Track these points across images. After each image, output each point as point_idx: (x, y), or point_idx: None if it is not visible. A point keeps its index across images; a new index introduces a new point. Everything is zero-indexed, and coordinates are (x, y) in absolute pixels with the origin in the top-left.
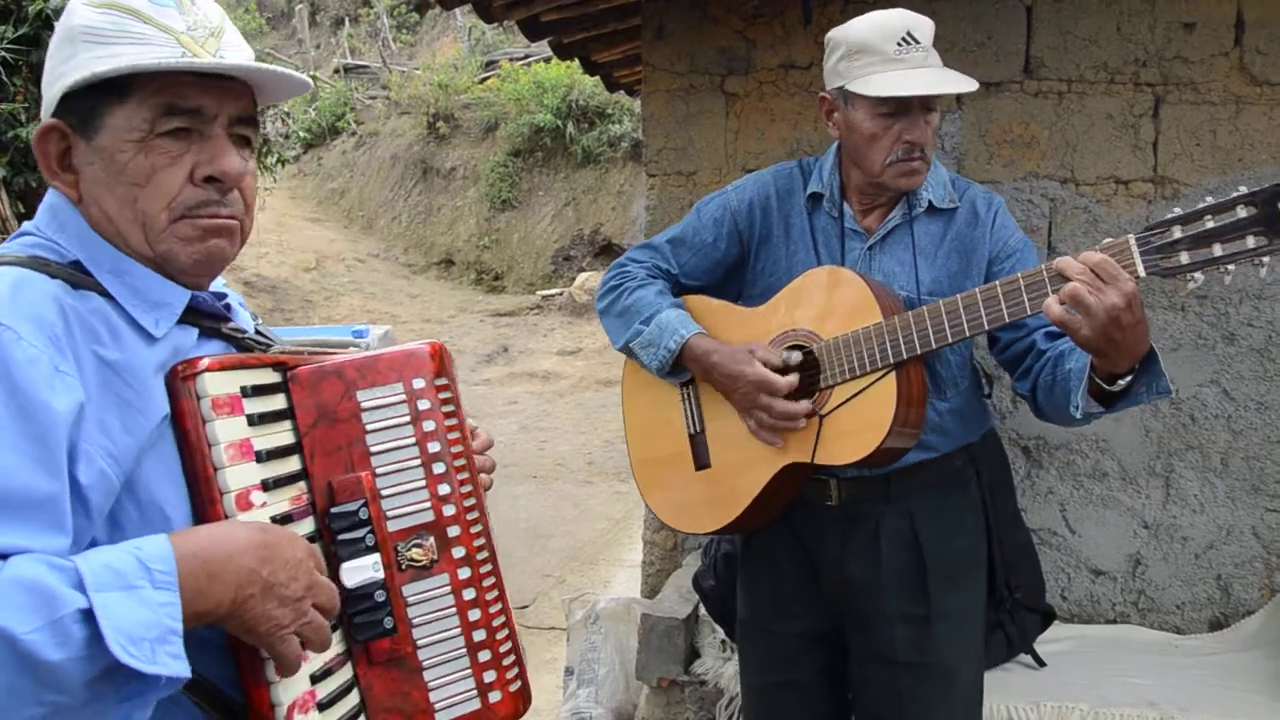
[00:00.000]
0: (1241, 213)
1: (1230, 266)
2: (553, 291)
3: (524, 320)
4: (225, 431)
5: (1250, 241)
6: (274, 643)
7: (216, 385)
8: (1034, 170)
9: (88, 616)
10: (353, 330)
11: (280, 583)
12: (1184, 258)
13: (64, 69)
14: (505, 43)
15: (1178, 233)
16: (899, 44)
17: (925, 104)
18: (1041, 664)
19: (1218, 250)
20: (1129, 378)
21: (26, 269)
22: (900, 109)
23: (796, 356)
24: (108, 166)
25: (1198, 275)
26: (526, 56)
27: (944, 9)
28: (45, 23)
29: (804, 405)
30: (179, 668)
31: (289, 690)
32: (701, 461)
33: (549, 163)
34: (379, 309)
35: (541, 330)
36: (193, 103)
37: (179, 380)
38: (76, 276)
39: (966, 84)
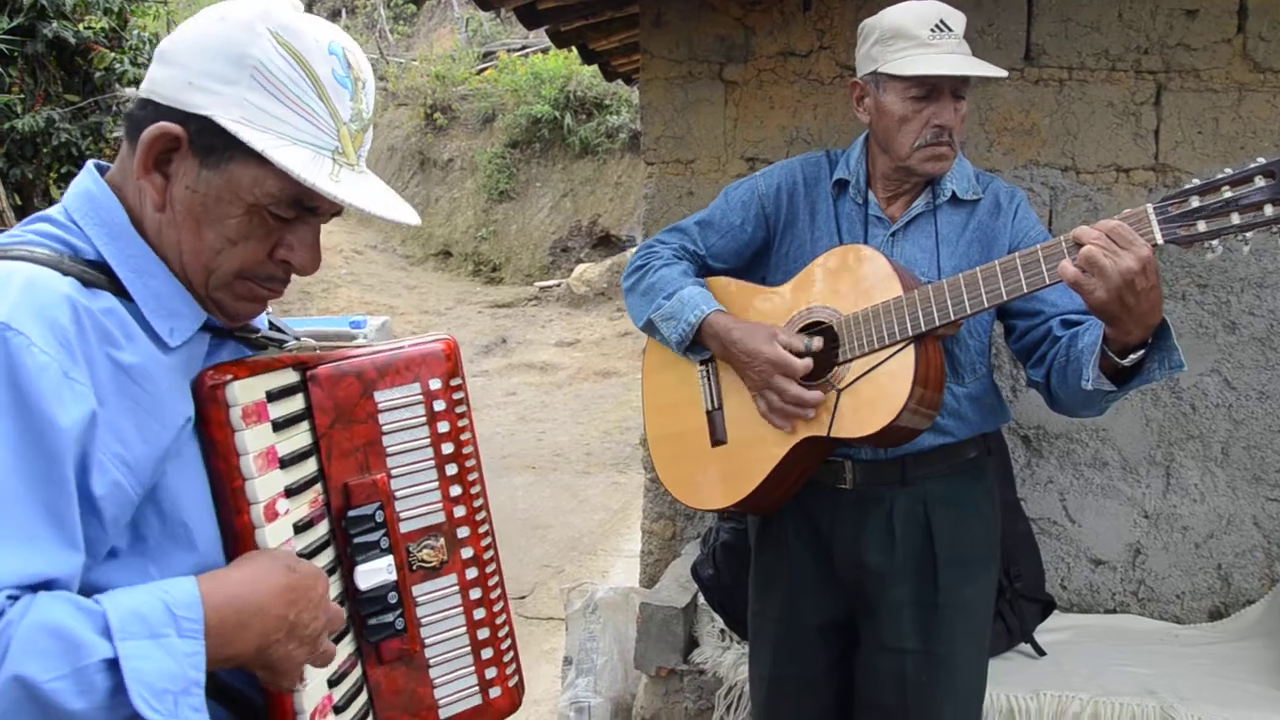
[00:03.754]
0: (1260, 182)
1: (1249, 235)
2: (551, 283)
3: (522, 311)
4: (254, 441)
5: (1268, 211)
6: (283, 678)
7: (246, 393)
8: (1034, 158)
9: (112, 666)
10: (350, 321)
11: (303, 623)
12: (1201, 226)
13: (217, 89)
14: (502, 34)
15: (1195, 202)
16: (933, 29)
17: (955, 90)
18: (1041, 653)
19: (1235, 219)
20: (1141, 352)
21: (37, 265)
22: (931, 92)
23: (818, 342)
24: (207, 207)
25: (1215, 244)
26: (524, 48)
27: None
28: (40, 13)
29: (816, 394)
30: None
31: (310, 698)
32: (718, 437)
33: (547, 154)
34: (377, 300)
35: (540, 321)
36: (314, 203)
37: (207, 388)
38: (89, 274)
39: (997, 71)
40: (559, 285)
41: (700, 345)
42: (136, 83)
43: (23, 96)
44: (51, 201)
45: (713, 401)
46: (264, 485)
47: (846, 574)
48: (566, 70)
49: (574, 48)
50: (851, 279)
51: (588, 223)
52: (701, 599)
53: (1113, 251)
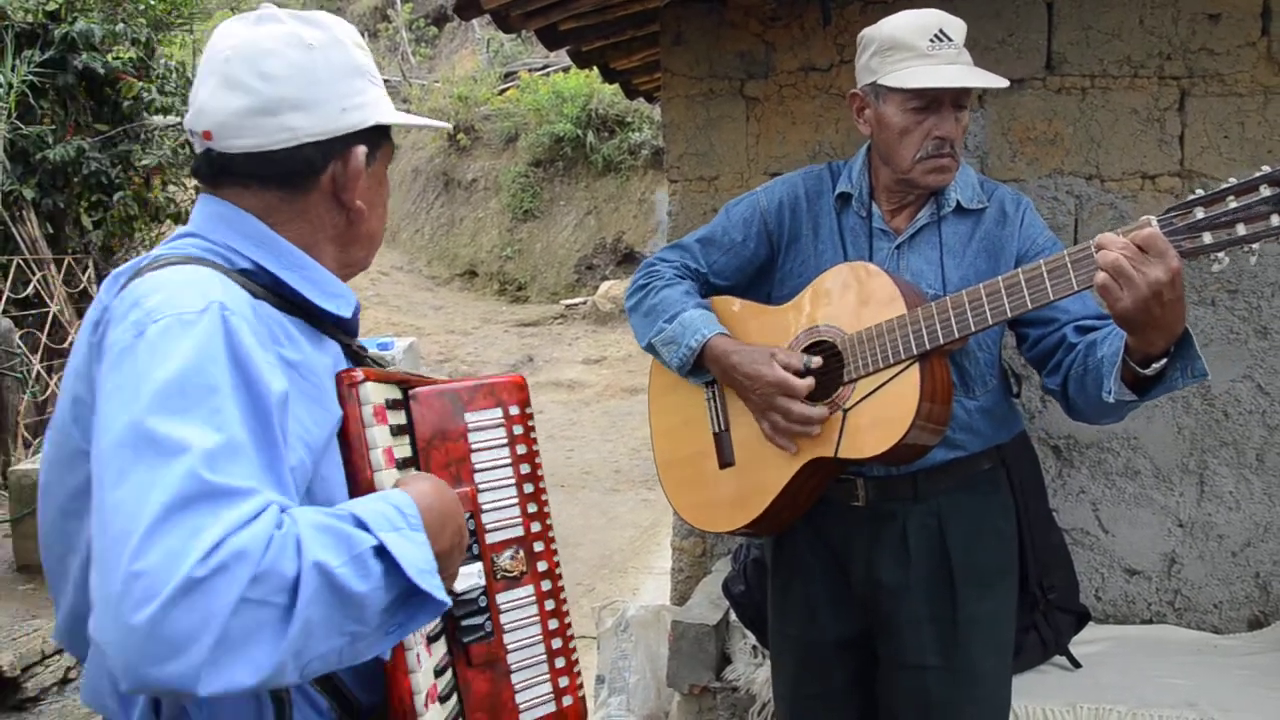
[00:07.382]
0: (1265, 191)
1: (1255, 246)
2: (576, 301)
3: (548, 330)
4: (380, 437)
5: (1275, 220)
6: (451, 577)
7: (376, 394)
8: (1058, 167)
9: (380, 552)
10: (378, 343)
11: (463, 529)
12: (1207, 238)
13: (361, 100)
14: (523, 54)
15: (1200, 213)
16: (931, 40)
17: (956, 100)
18: (1077, 665)
19: (1241, 230)
20: (1163, 361)
21: (217, 272)
22: (931, 104)
23: (817, 361)
24: (378, 189)
25: (1222, 256)
26: (545, 67)
27: (964, 7)
28: (70, 46)
29: (820, 410)
30: (446, 597)
31: (424, 680)
32: (725, 459)
33: (570, 172)
34: (403, 321)
35: (566, 340)
36: None
37: (345, 386)
38: (250, 285)
39: (997, 80)
40: (584, 303)
41: (702, 369)
42: (164, 110)
43: (54, 127)
44: (83, 230)
45: (719, 424)
46: (386, 479)
47: (862, 591)
48: (588, 88)
49: (595, 67)
50: (855, 297)
51: (612, 240)
52: (733, 616)
53: (1141, 261)
